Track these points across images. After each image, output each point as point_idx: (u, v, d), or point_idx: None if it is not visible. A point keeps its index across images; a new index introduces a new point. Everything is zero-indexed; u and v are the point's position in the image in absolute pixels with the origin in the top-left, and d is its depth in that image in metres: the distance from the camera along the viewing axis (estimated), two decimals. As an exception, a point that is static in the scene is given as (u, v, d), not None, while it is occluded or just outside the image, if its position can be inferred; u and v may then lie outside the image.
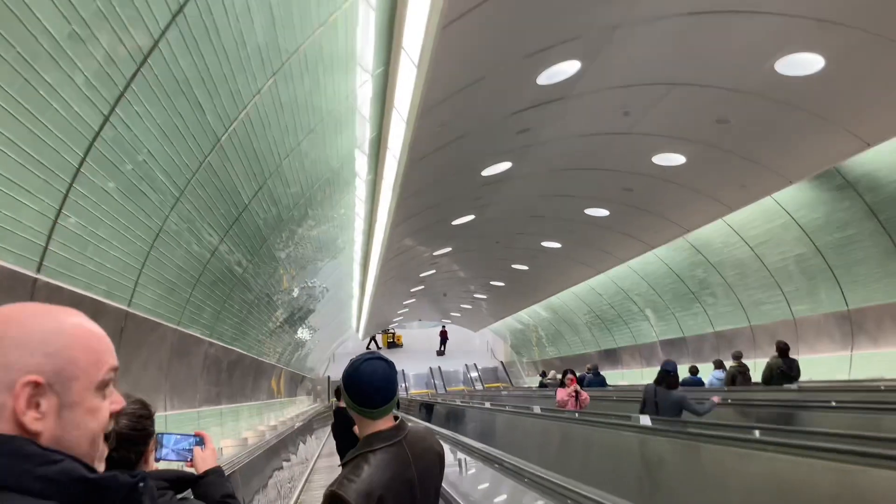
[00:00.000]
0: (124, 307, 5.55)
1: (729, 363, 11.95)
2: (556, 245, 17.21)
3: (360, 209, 12.83)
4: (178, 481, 1.92)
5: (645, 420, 5.55)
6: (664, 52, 7.46)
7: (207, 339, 8.84)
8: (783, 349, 9.67)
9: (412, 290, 24.83)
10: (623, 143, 10.32)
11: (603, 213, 13.90)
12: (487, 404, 11.61)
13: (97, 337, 0.99)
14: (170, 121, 4.74)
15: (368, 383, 1.93)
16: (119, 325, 5.45)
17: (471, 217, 14.41)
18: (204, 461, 2.13)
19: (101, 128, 4.04)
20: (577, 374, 10.22)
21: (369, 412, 1.94)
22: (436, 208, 13.26)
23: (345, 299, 21.19)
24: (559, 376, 26.44)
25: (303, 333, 18.34)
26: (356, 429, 2.03)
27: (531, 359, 34.69)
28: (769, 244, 12.75)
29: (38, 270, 4.07)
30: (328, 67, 6.36)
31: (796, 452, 3.51)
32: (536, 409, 8.39)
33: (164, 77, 4.33)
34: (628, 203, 13.06)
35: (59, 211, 4.05)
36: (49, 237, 4.09)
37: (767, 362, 9.84)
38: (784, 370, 9.45)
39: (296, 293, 13.80)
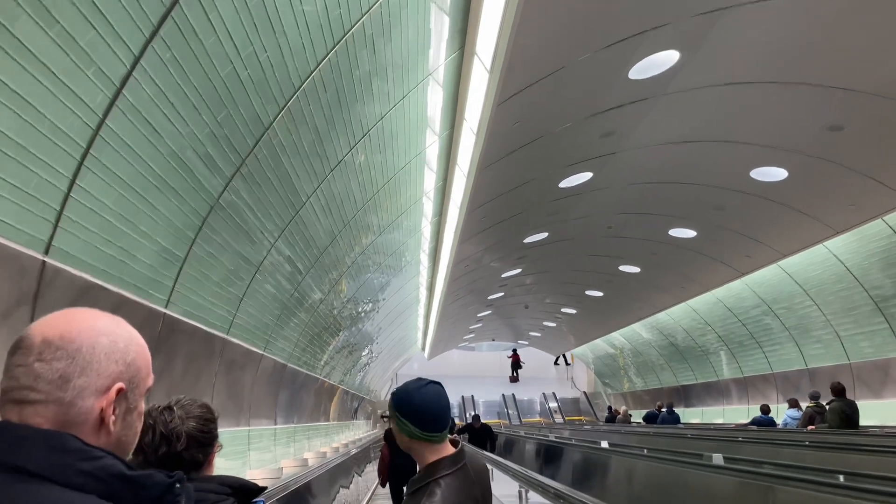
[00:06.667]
0: None
1: (805, 403, 11.16)
2: (691, 233, 12.97)
3: (430, 180, 9.29)
4: (241, 490, 1.79)
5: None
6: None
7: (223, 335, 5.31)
8: (840, 390, 9.21)
9: (489, 298, 20.81)
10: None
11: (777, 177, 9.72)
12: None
13: (146, 348, 1.05)
14: None
15: (435, 408, 1.91)
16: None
17: (589, 175, 10.28)
18: None
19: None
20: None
21: (437, 437, 1.92)
22: (536, 162, 9.38)
23: (409, 303, 17.51)
24: (630, 413, 21.76)
25: (356, 339, 14.74)
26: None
27: (619, 390, 29.97)
28: None
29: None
30: None
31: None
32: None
33: None
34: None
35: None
36: None
37: (831, 406, 9.34)
38: (847, 413, 9.07)
39: (344, 287, 10.21)
